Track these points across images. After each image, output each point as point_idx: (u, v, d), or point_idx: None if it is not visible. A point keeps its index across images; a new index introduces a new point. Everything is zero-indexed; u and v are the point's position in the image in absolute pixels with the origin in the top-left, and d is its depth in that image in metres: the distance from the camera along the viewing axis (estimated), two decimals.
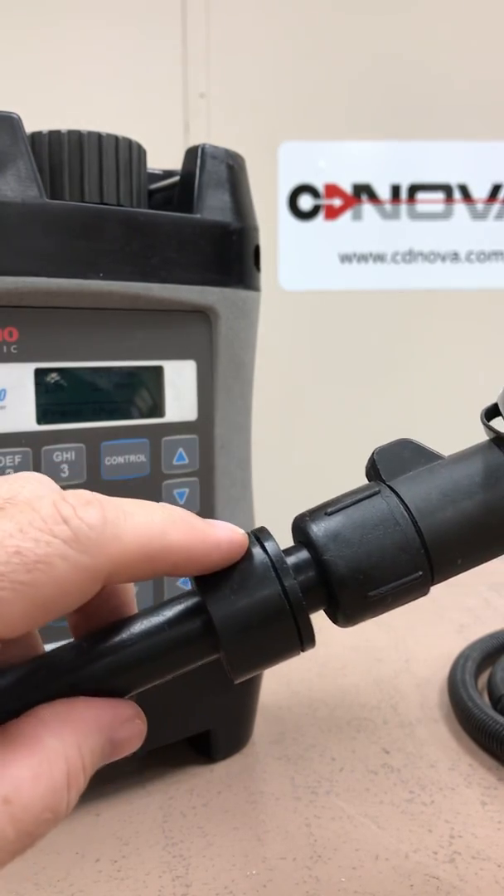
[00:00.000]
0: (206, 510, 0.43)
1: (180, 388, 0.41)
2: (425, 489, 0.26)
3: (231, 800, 0.42)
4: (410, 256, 1.05)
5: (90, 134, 0.39)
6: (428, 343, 1.06)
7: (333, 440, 1.01)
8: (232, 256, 0.42)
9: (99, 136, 0.39)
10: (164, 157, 0.47)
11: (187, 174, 0.42)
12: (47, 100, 0.93)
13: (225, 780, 0.44)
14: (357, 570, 0.24)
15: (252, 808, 0.41)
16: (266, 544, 0.25)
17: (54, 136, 0.39)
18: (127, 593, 0.25)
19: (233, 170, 0.42)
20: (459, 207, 1.06)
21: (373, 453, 0.27)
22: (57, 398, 0.38)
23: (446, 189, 1.05)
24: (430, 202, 1.05)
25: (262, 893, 0.35)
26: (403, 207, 1.05)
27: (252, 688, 0.47)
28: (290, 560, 0.25)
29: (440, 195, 1.05)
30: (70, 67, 0.95)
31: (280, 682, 0.56)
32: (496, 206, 1.06)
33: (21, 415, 0.37)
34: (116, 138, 0.40)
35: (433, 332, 1.06)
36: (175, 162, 0.44)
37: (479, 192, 1.06)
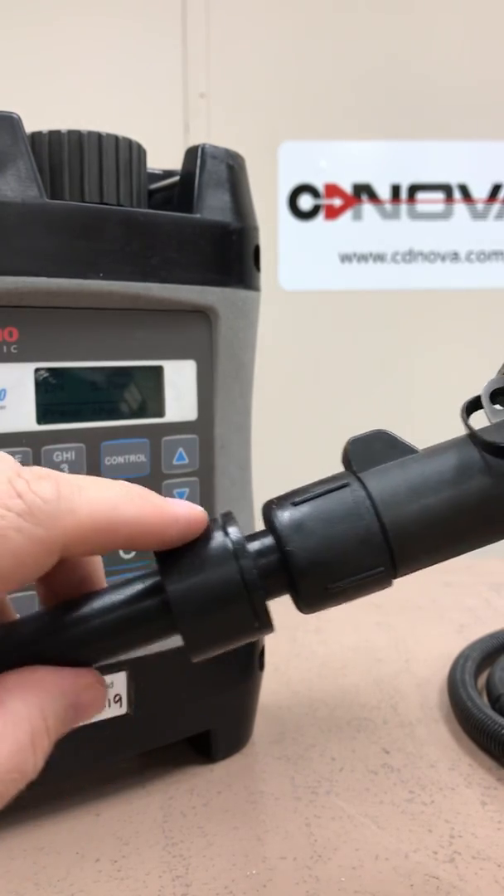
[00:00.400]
0: (206, 510, 0.42)
1: (180, 388, 0.41)
2: (394, 483, 0.25)
3: (231, 800, 0.42)
4: (410, 256, 1.05)
5: (90, 134, 0.39)
6: (428, 343, 1.06)
7: (333, 440, 1.01)
8: (232, 256, 0.42)
9: (99, 136, 0.39)
10: (164, 157, 0.47)
11: (187, 174, 0.42)
12: (47, 100, 0.93)
13: (225, 780, 0.44)
14: (318, 563, 0.24)
15: (252, 808, 0.41)
16: (228, 528, 0.25)
17: (54, 136, 0.39)
18: (91, 565, 0.26)
19: (233, 170, 0.42)
20: (459, 207, 1.06)
21: (347, 443, 0.27)
22: (57, 398, 0.38)
23: (446, 189, 1.05)
24: (430, 202, 1.05)
25: (262, 893, 0.35)
26: (403, 207, 1.05)
27: (252, 688, 0.47)
28: (254, 545, 0.25)
29: (440, 195, 1.05)
30: (70, 67, 0.95)
31: (280, 682, 0.56)
32: (496, 206, 1.06)
33: (21, 415, 0.37)
34: (116, 138, 0.40)
35: (433, 332, 1.06)
36: (175, 162, 0.44)
37: (479, 192, 1.06)
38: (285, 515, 0.25)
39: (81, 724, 0.24)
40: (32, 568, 0.21)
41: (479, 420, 0.27)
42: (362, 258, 1.05)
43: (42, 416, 0.37)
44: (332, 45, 1.00)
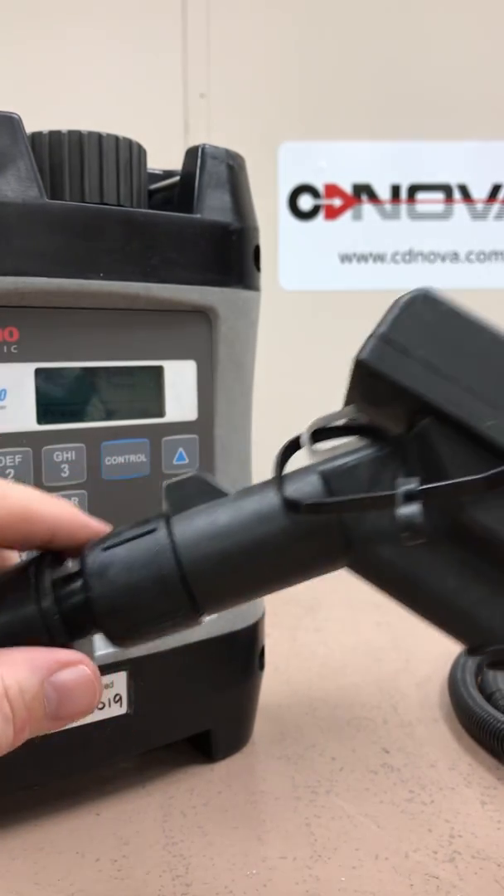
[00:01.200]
0: None
1: (180, 388, 0.41)
2: (198, 528, 0.26)
3: (231, 799, 0.42)
4: (410, 256, 1.05)
5: (90, 134, 0.39)
6: None
7: None
8: (232, 256, 0.42)
9: (99, 136, 0.39)
10: (164, 157, 0.47)
11: (187, 174, 0.42)
12: (47, 100, 0.93)
13: (225, 779, 0.44)
14: (119, 609, 0.26)
15: (252, 807, 0.41)
16: (40, 569, 0.26)
17: (54, 136, 0.39)
18: None
19: (233, 170, 0.42)
20: (459, 207, 1.06)
21: (164, 487, 0.27)
22: (57, 398, 0.38)
23: (446, 189, 1.05)
24: (430, 202, 1.05)
25: (262, 893, 0.35)
26: (403, 207, 1.05)
27: (252, 688, 0.47)
28: (65, 586, 0.26)
29: (440, 195, 1.05)
30: (71, 67, 0.95)
31: (280, 681, 0.56)
32: (496, 206, 1.06)
33: (21, 415, 0.37)
34: (116, 138, 0.40)
35: None
36: (175, 162, 0.44)
37: (479, 192, 1.06)
38: (93, 560, 0.26)
39: (75, 712, 0.25)
40: None
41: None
42: (362, 258, 1.05)
43: (42, 416, 0.37)
44: (333, 46, 1.00)
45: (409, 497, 0.23)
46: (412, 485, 0.23)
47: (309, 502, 0.25)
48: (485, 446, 0.24)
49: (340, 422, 0.27)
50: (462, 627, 0.26)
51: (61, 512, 0.27)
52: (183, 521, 0.26)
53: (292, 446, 0.27)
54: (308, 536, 0.26)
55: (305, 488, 0.26)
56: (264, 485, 0.27)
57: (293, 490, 0.26)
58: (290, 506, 0.25)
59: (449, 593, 0.25)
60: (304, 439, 0.26)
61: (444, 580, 0.25)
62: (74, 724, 0.38)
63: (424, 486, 0.23)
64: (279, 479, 0.26)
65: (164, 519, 0.27)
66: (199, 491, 0.27)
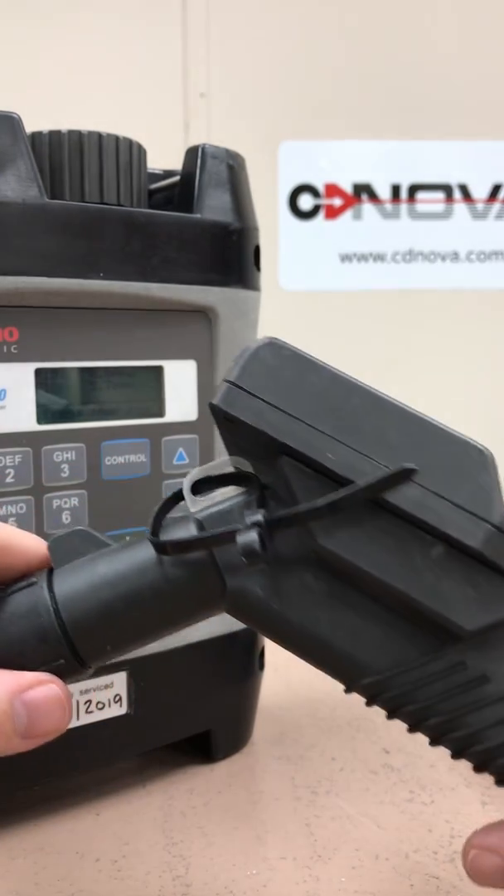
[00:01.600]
0: None
1: (180, 388, 0.41)
2: (77, 580, 0.27)
3: (231, 800, 0.42)
4: (410, 256, 1.05)
5: (90, 134, 0.39)
6: (428, 343, 1.06)
7: None
8: (232, 256, 0.42)
9: (99, 136, 0.39)
10: (164, 157, 0.47)
11: (187, 174, 0.42)
12: (47, 100, 0.93)
13: (225, 780, 0.44)
14: (2, 660, 0.26)
15: (252, 808, 0.41)
16: None
17: (54, 136, 0.39)
18: None
19: (233, 170, 0.42)
20: (459, 207, 1.06)
21: (49, 542, 0.28)
22: (57, 398, 0.38)
23: (446, 189, 1.05)
24: (430, 202, 1.05)
25: (262, 893, 0.35)
26: (403, 207, 1.05)
27: (252, 688, 0.47)
28: None
29: (440, 195, 1.05)
30: (71, 67, 0.96)
31: (280, 682, 0.55)
32: (496, 206, 1.06)
33: (21, 415, 0.37)
34: (116, 138, 0.40)
35: (433, 332, 1.06)
36: (175, 162, 0.44)
37: (479, 192, 1.06)
38: None
39: (47, 730, 0.25)
40: None
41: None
42: (362, 258, 1.05)
43: (42, 417, 0.37)
44: (332, 45, 1.00)
45: (253, 526, 0.25)
46: (257, 516, 0.25)
47: (173, 540, 0.26)
48: (331, 477, 0.25)
49: (219, 472, 0.28)
50: (337, 662, 0.27)
51: (38, 545, 0.28)
52: (63, 574, 0.27)
53: (174, 498, 0.28)
54: (181, 579, 0.26)
55: (180, 534, 0.27)
56: (143, 536, 0.28)
57: (168, 536, 0.27)
58: (158, 548, 0.26)
59: (321, 628, 0.26)
60: (185, 490, 0.27)
61: (314, 615, 0.26)
62: (74, 724, 0.38)
63: (270, 516, 0.25)
64: (156, 528, 0.27)
65: (44, 573, 0.28)
66: (83, 544, 0.28)
